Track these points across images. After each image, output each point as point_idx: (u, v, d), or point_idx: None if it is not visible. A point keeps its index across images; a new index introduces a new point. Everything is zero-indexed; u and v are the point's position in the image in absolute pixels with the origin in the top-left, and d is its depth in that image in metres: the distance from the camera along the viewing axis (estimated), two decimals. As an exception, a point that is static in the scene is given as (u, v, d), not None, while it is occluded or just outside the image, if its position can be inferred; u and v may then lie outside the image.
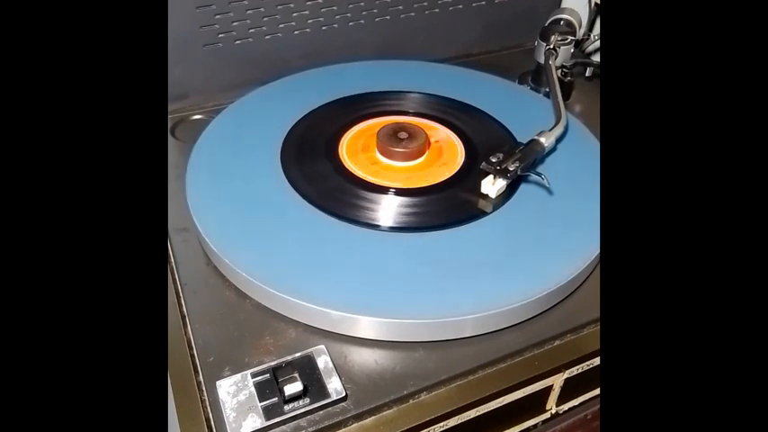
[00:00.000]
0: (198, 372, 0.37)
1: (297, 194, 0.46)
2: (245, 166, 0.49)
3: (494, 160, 0.46)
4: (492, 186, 0.46)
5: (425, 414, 0.36)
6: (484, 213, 0.46)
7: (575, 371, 0.41)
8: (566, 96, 0.61)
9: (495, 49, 0.73)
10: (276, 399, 0.35)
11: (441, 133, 0.54)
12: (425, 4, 0.66)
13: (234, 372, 0.36)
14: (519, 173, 0.46)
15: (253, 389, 0.35)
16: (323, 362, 0.37)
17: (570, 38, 0.60)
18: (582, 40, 0.70)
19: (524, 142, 0.49)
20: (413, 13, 0.67)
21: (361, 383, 0.37)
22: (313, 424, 0.35)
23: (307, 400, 0.35)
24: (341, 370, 0.37)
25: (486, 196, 0.47)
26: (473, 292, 0.40)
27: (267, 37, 0.61)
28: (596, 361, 0.41)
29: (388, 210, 0.46)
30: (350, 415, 0.35)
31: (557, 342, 0.41)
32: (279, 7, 0.60)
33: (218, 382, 0.35)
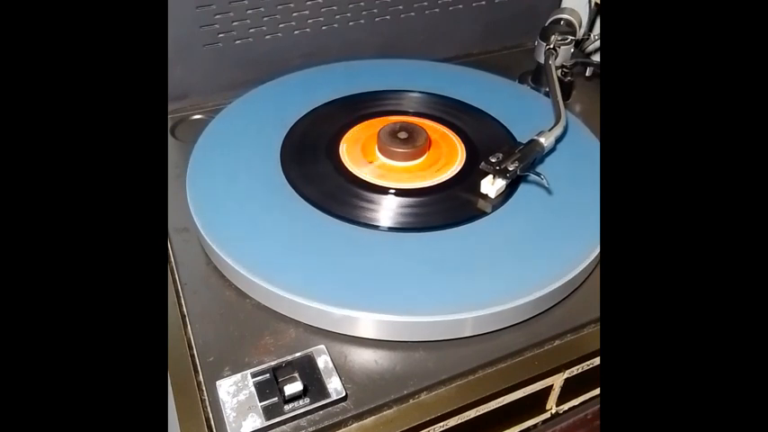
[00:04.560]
0: (198, 372, 0.37)
1: (297, 194, 0.46)
2: (245, 165, 0.49)
3: (493, 160, 0.46)
4: (491, 186, 0.46)
5: (425, 414, 0.36)
6: (483, 213, 0.46)
7: (575, 371, 0.41)
8: (566, 96, 0.61)
9: (495, 49, 0.73)
10: (276, 399, 0.35)
11: (441, 133, 0.54)
12: (425, 4, 0.66)
13: (234, 372, 0.36)
14: (518, 173, 0.46)
15: (253, 389, 0.35)
16: (323, 362, 0.37)
17: (570, 38, 0.61)
18: (582, 40, 0.70)
19: (524, 142, 0.49)
20: (413, 13, 0.67)
21: (361, 383, 0.37)
22: (313, 424, 0.35)
23: (307, 400, 0.35)
24: (341, 370, 0.37)
25: (485, 196, 0.47)
26: (473, 291, 0.40)
27: (267, 37, 0.61)
28: (596, 361, 0.41)
29: (388, 210, 0.46)
30: (350, 415, 0.35)
31: (557, 342, 0.41)
32: (279, 7, 0.60)
33: (218, 382, 0.35)
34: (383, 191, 0.47)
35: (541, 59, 0.61)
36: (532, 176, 0.47)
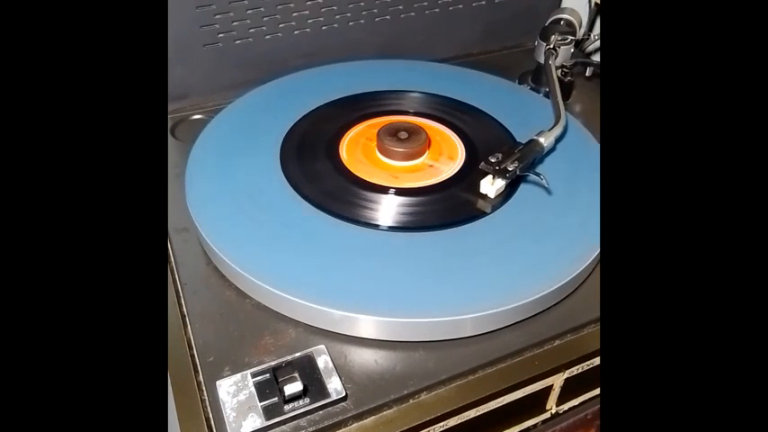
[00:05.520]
0: (198, 372, 0.37)
1: (297, 194, 0.46)
2: (245, 165, 0.49)
3: (493, 160, 0.46)
4: (491, 186, 0.46)
5: (425, 414, 0.36)
6: (483, 213, 0.46)
7: (575, 371, 0.41)
8: (566, 96, 0.61)
9: (495, 49, 0.73)
10: (276, 399, 0.35)
11: (441, 133, 0.54)
12: (425, 4, 0.66)
13: (234, 371, 0.36)
14: (518, 173, 0.46)
15: (253, 389, 0.35)
16: (323, 362, 0.37)
17: (570, 38, 0.61)
18: (582, 40, 0.70)
19: (524, 142, 0.49)
20: (413, 13, 0.67)
21: (361, 383, 0.37)
22: (313, 424, 0.35)
23: (307, 400, 0.35)
24: (341, 370, 0.37)
25: (485, 196, 0.47)
26: (473, 292, 0.40)
27: (267, 37, 0.61)
28: (596, 361, 0.41)
29: (388, 210, 0.46)
30: (350, 415, 0.35)
31: (557, 342, 0.41)
32: (279, 7, 0.60)
33: (218, 382, 0.35)
34: (383, 191, 0.47)
35: (541, 59, 0.61)
36: (532, 176, 0.47)
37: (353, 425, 0.35)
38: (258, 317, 0.40)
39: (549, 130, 0.50)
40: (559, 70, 0.60)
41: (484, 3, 0.70)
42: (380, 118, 0.55)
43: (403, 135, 0.50)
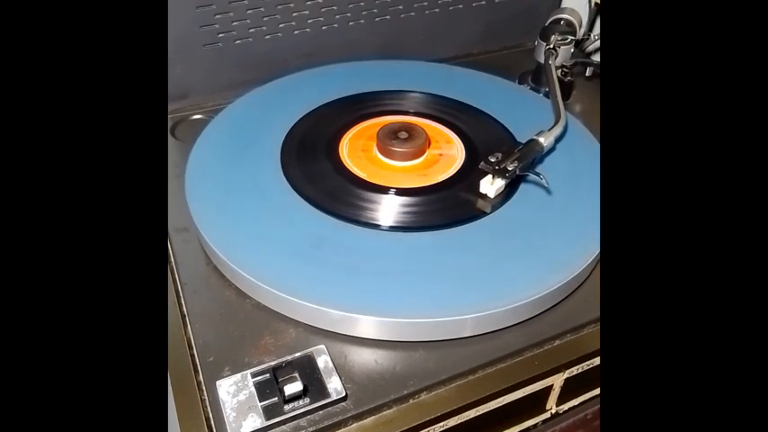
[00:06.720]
0: (198, 372, 0.37)
1: (297, 194, 0.46)
2: (246, 165, 0.49)
3: (492, 160, 0.46)
4: (491, 186, 0.46)
5: (425, 414, 0.36)
6: (483, 213, 0.46)
7: (575, 371, 0.41)
8: (566, 96, 0.61)
9: (495, 49, 0.73)
10: (276, 398, 0.35)
11: (441, 133, 0.54)
12: (425, 4, 0.66)
13: (234, 371, 0.36)
14: (518, 172, 0.46)
15: (253, 389, 0.35)
16: (323, 362, 0.37)
17: (570, 38, 0.61)
18: (582, 40, 0.70)
19: (524, 142, 0.49)
20: (413, 13, 0.67)
21: (361, 383, 0.37)
22: (313, 424, 0.35)
23: (307, 400, 0.35)
24: (341, 370, 0.37)
25: (484, 196, 0.47)
26: (473, 291, 0.40)
27: (267, 37, 0.61)
28: (596, 361, 0.41)
29: (388, 210, 0.46)
30: (350, 415, 0.35)
31: (557, 342, 0.41)
32: (279, 7, 0.60)
33: (218, 382, 0.35)
34: (383, 191, 0.47)
35: (541, 59, 0.61)
36: (532, 176, 0.47)
37: (353, 425, 0.36)
38: (258, 317, 0.40)
39: (549, 130, 0.50)
40: (559, 70, 0.60)
41: (484, 3, 0.70)
42: (380, 118, 0.55)
43: (403, 135, 0.50)
